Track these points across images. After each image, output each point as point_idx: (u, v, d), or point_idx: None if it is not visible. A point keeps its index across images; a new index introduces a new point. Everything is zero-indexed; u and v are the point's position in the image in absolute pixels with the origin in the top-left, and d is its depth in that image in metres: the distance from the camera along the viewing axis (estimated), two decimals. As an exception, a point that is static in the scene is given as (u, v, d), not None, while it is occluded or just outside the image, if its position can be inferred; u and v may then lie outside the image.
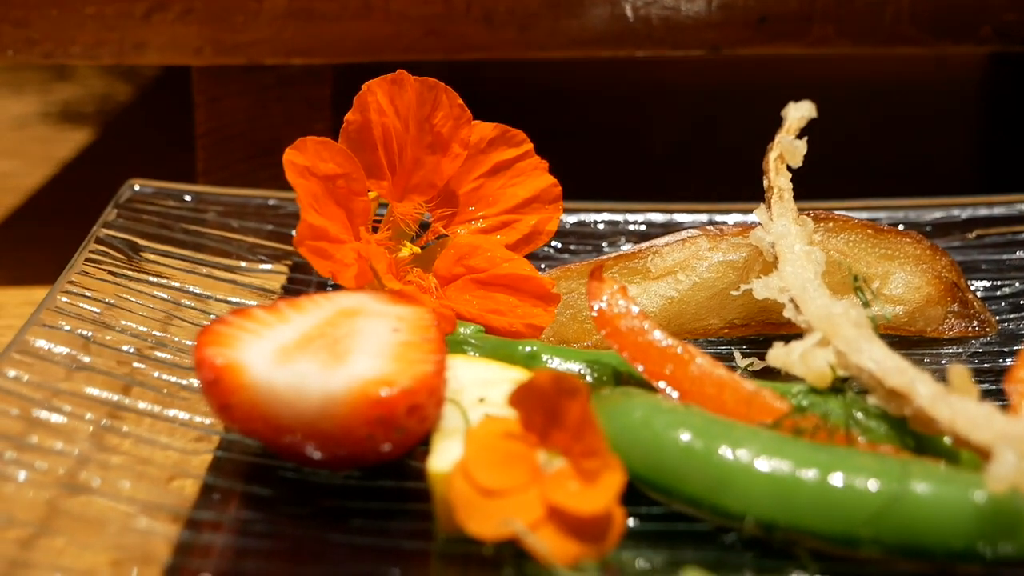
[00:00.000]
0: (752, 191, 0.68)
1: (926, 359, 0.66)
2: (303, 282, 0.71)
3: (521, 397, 0.49)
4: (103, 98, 1.31)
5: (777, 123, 0.68)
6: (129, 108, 1.28)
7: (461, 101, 0.65)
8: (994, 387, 0.61)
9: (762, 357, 0.58)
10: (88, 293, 0.63)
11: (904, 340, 0.67)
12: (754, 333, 0.68)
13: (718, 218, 0.79)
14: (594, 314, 0.56)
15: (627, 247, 0.77)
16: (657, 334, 0.55)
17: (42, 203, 1.00)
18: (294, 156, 0.60)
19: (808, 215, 0.66)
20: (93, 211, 0.75)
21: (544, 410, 0.48)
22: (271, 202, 0.76)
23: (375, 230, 0.64)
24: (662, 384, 0.55)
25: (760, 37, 0.82)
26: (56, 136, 1.19)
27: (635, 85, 1.21)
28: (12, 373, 0.55)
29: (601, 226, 0.79)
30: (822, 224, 0.68)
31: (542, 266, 0.74)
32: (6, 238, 0.92)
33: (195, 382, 0.58)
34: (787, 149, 0.68)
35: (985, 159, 1.07)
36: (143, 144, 1.16)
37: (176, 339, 0.62)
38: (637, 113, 1.19)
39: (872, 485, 0.48)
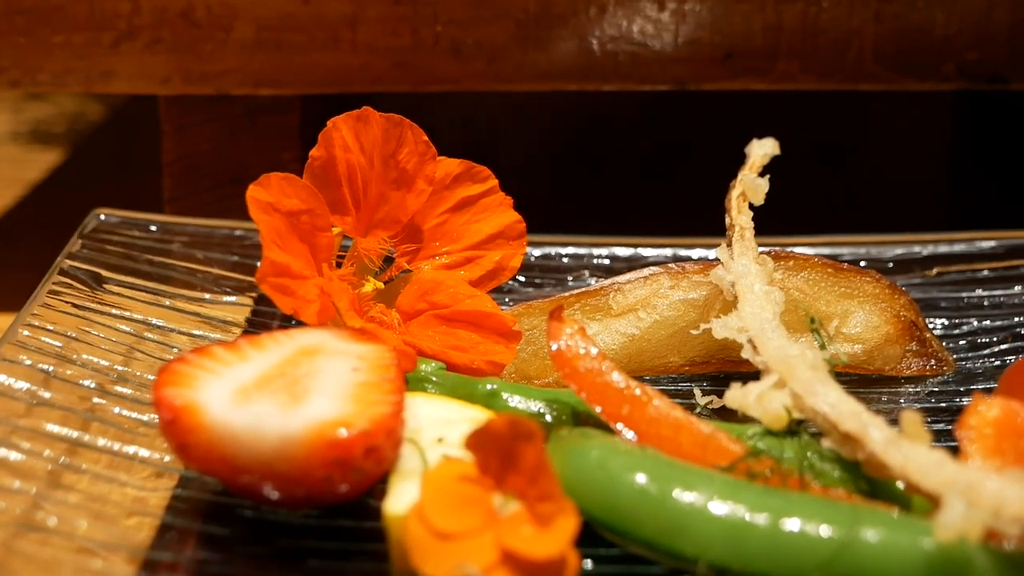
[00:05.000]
0: (718, 223, 0.68)
1: (884, 398, 0.67)
2: (267, 314, 0.71)
3: (477, 441, 0.49)
4: (75, 117, 1.31)
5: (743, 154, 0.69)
6: (101, 128, 1.28)
7: (426, 138, 0.65)
8: (950, 427, 0.61)
9: (722, 394, 0.59)
10: (50, 326, 0.63)
11: (862, 378, 0.68)
12: (715, 370, 0.68)
13: (682, 252, 0.79)
14: (553, 354, 0.57)
15: (592, 281, 0.77)
16: (615, 375, 0.56)
17: (11, 225, 1.00)
18: (257, 192, 0.61)
19: (769, 254, 0.67)
20: (62, 234, 0.75)
21: (500, 454, 0.49)
22: (237, 232, 0.76)
23: (339, 265, 0.64)
24: (619, 425, 0.55)
25: (726, 73, 0.83)
26: (26, 157, 1.19)
27: (604, 113, 1.22)
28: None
29: (566, 259, 0.79)
30: (782, 263, 0.69)
31: (506, 299, 0.75)
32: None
33: (155, 418, 0.58)
34: (749, 187, 0.68)
35: (952, 194, 1.08)
36: (114, 164, 1.16)
37: (138, 373, 0.62)
38: (607, 142, 1.20)
39: (823, 531, 0.48)
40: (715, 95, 0.85)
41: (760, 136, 0.70)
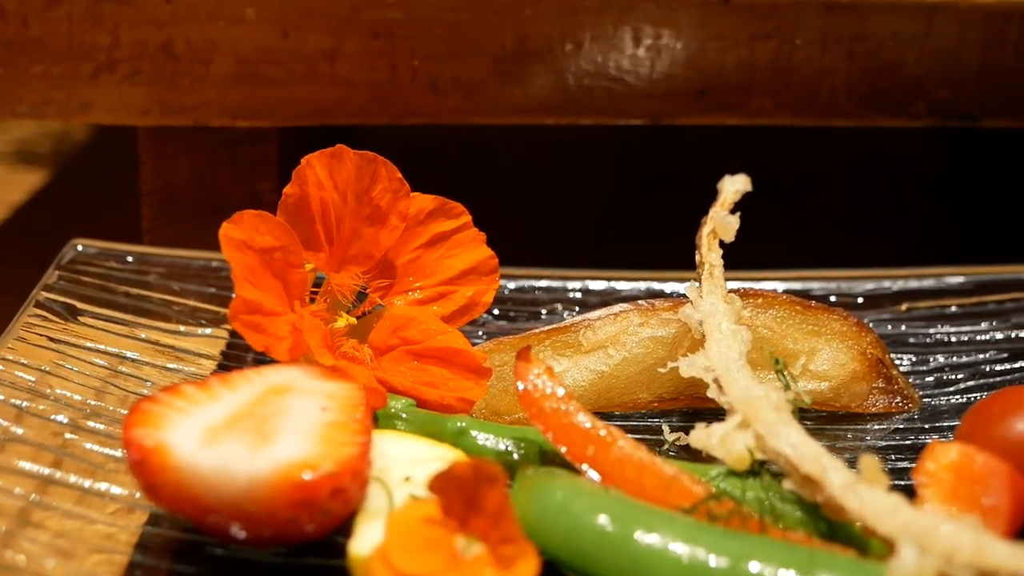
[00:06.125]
0: (691, 256, 0.69)
1: (849, 435, 0.68)
2: (242, 347, 0.71)
3: (441, 483, 0.50)
4: (60, 137, 1.32)
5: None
6: (86, 149, 1.28)
7: (400, 174, 0.66)
8: (914, 464, 0.62)
9: (690, 432, 0.60)
10: (24, 360, 0.64)
11: (829, 415, 0.69)
12: (683, 406, 0.69)
13: (655, 286, 0.80)
14: (520, 394, 0.57)
15: (565, 314, 0.78)
16: (581, 416, 0.57)
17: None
18: (230, 230, 0.61)
19: (738, 292, 0.68)
20: (43, 258, 0.76)
21: (463, 497, 0.50)
22: (214, 264, 0.77)
23: (312, 301, 0.65)
24: (584, 466, 0.56)
25: (700, 108, 0.84)
26: (9, 178, 1.19)
27: (580, 147, 1.22)
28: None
29: (540, 292, 0.80)
30: (751, 300, 0.69)
31: (480, 332, 0.75)
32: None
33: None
34: (720, 224, 0.69)
35: (925, 229, 1.09)
36: (98, 187, 1.17)
37: (111, 408, 0.63)
38: (581, 176, 1.20)
39: (781, 574, 0.49)
40: (689, 130, 0.86)
41: (733, 171, 0.71)
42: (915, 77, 0.83)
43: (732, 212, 0.69)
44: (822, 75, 0.83)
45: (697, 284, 0.67)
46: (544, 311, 0.79)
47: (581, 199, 1.14)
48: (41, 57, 0.81)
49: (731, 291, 0.67)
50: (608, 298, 0.79)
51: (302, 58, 0.82)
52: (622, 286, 0.80)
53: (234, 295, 0.60)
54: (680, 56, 0.83)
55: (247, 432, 0.52)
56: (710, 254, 0.68)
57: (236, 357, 0.71)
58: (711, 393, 0.61)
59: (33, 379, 0.63)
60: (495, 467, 0.49)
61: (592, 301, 0.79)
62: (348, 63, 0.82)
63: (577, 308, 0.78)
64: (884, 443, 0.67)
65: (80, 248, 0.76)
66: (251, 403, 0.55)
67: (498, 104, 0.83)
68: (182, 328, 0.72)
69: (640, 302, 0.70)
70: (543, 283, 0.80)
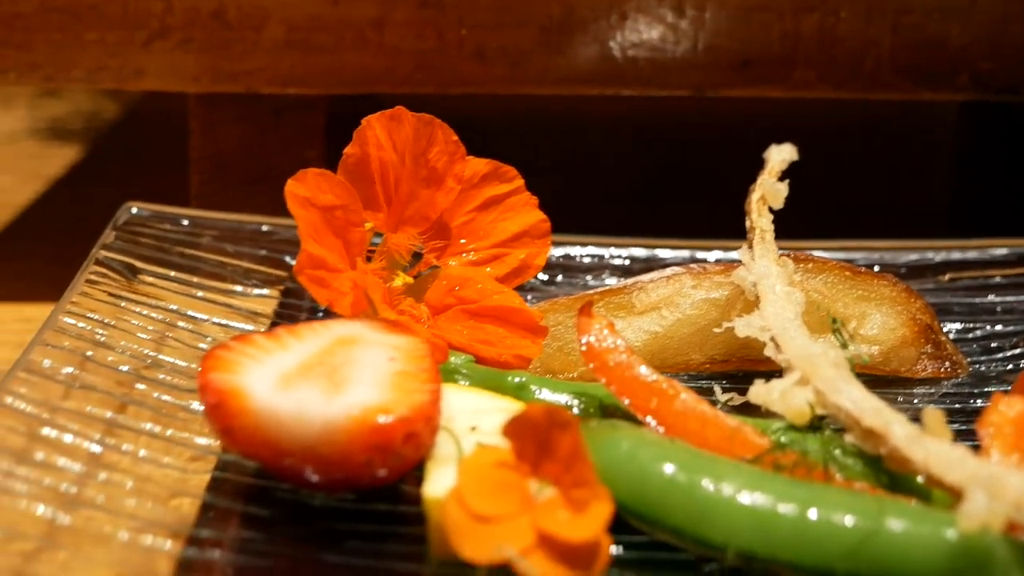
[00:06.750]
0: (735, 226, 0.70)
1: (899, 398, 0.68)
2: (294, 307, 0.72)
3: (515, 428, 0.51)
4: (91, 115, 1.33)
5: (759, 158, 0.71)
6: (118, 125, 1.29)
7: (456, 137, 0.67)
8: (964, 427, 0.63)
9: (742, 392, 0.60)
10: (89, 314, 0.65)
11: (878, 379, 0.69)
12: (734, 369, 0.70)
13: (700, 254, 0.81)
14: (583, 348, 0.58)
15: (611, 281, 0.79)
16: (643, 369, 0.57)
17: (33, 220, 1.02)
18: (295, 187, 0.62)
19: (788, 256, 0.69)
20: (83, 229, 0.77)
21: (536, 441, 0.50)
22: (264, 228, 0.78)
23: (369, 260, 0.66)
24: (648, 418, 0.56)
25: (743, 79, 0.85)
26: (46, 153, 1.20)
27: (624, 118, 1.23)
28: (18, 391, 0.56)
29: (586, 260, 0.81)
30: (802, 265, 0.70)
31: (529, 297, 0.76)
32: (-1, 254, 0.94)
33: (191, 403, 0.60)
34: (769, 191, 0.70)
35: (960, 204, 1.10)
36: (133, 161, 1.18)
37: (172, 360, 0.64)
38: (625, 146, 1.21)
39: (849, 521, 0.49)
40: (733, 100, 0.87)
41: (778, 141, 0.72)
42: (958, 49, 0.84)
43: (779, 180, 0.70)
44: (866, 47, 0.84)
45: (748, 248, 0.67)
46: (590, 277, 0.80)
47: (624, 170, 1.15)
48: (96, 24, 0.82)
49: (782, 255, 0.68)
50: (653, 265, 0.79)
51: (351, 26, 0.83)
52: (666, 254, 0.81)
53: (299, 251, 0.61)
54: (724, 27, 0.84)
55: (320, 379, 0.53)
56: (760, 219, 0.69)
57: (288, 316, 0.72)
58: (768, 352, 0.61)
59: (98, 331, 0.64)
60: (568, 413, 0.50)
61: (637, 268, 0.79)
62: (396, 31, 0.83)
63: (622, 275, 0.79)
64: (933, 407, 0.67)
65: (134, 211, 0.77)
66: (321, 353, 0.55)
67: (544, 74, 0.84)
68: (237, 288, 0.73)
69: (692, 265, 0.71)
70: (589, 250, 0.81)
